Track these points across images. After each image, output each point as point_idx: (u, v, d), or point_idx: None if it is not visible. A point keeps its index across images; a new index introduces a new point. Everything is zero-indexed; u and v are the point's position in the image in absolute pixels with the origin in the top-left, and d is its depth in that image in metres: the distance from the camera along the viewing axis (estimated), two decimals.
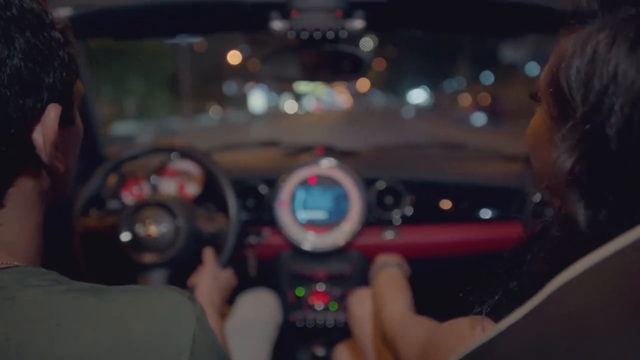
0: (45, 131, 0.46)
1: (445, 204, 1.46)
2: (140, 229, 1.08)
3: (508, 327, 0.39)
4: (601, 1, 0.43)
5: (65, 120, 0.50)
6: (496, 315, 0.49)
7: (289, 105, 37.18)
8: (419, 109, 32.82)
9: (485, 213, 1.44)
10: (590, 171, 0.41)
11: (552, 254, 0.46)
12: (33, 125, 0.46)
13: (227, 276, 1.11)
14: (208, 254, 1.09)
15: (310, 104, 39.49)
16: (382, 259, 1.12)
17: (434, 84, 40.34)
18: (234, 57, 25.82)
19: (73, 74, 0.50)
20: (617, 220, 0.38)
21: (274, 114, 31.23)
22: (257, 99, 32.24)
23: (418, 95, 41.22)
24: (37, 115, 0.46)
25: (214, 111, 24.12)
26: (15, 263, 0.44)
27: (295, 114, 32.40)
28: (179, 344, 0.42)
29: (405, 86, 45.22)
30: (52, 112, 0.46)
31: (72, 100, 0.52)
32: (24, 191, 0.47)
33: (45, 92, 0.46)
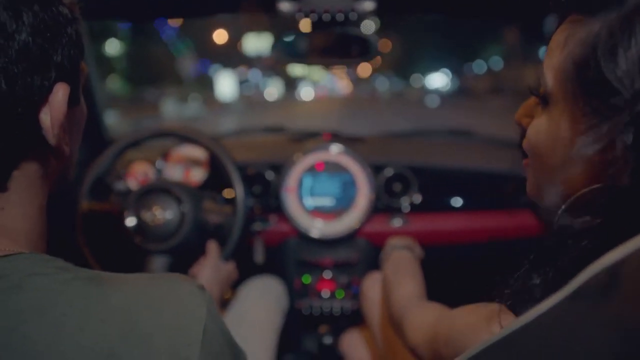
0: (53, 112, 0.44)
1: (454, 191, 1.44)
2: (145, 215, 1.07)
3: (535, 317, 0.37)
4: None
5: (71, 101, 0.48)
6: (516, 307, 0.47)
7: (271, 92, 29.82)
8: (445, 95, 26.97)
9: (495, 201, 1.41)
10: None
11: (582, 251, 0.43)
12: (40, 105, 0.44)
13: (229, 269, 1.11)
14: (211, 245, 1.09)
15: (306, 91, 33.80)
16: (394, 241, 1.10)
17: (455, 65, 33.70)
18: (219, 36, 21.47)
19: (80, 52, 0.48)
20: None
21: (256, 102, 23.82)
22: (225, 84, 24.36)
23: (437, 80, 34.19)
24: (44, 95, 0.44)
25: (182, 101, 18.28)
26: (19, 250, 0.43)
27: (280, 104, 24.47)
28: (190, 335, 0.41)
29: (417, 69, 39.14)
30: (61, 92, 0.45)
31: (79, 79, 0.50)
32: (29, 174, 0.46)
33: (54, 71, 0.44)
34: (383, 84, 41.55)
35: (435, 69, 35.11)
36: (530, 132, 0.51)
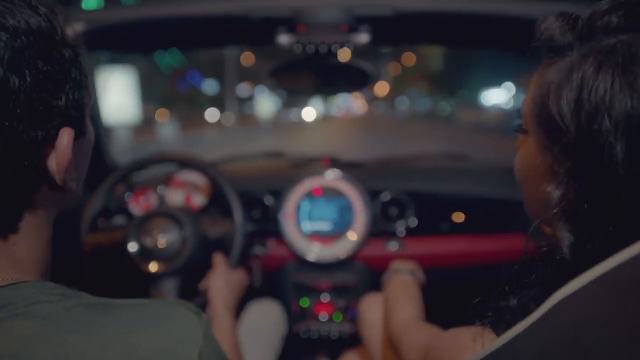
0: (59, 158, 0.45)
1: (450, 215, 1.46)
2: (147, 240, 1.10)
3: (508, 341, 0.40)
4: (577, 34, 0.46)
5: (78, 135, 0.49)
6: (497, 328, 0.50)
7: (212, 113, 20.37)
8: None
9: (490, 225, 1.44)
10: (583, 195, 0.43)
11: (554, 274, 0.47)
12: (47, 151, 0.45)
13: (238, 276, 1.14)
14: (217, 257, 1.12)
15: (308, 111, 27.98)
16: (397, 265, 1.13)
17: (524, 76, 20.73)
18: None
19: (84, 88, 0.49)
20: (606, 244, 0.40)
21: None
22: (116, 100, 14.38)
23: (495, 95, 24.48)
24: (50, 141, 0.45)
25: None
26: (25, 279, 0.45)
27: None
28: (186, 359, 0.42)
29: (462, 83, 28.57)
30: (66, 137, 0.45)
31: (84, 113, 0.51)
32: (38, 211, 0.47)
33: (58, 118, 0.45)
34: (403, 104, 36.19)
35: (493, 82, 24.30)
36: (517, 161, 0.57)
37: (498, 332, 0.49)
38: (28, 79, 0.41)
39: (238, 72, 22.01)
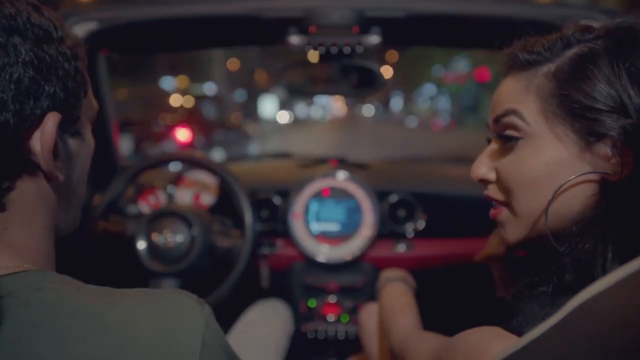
0: (43, 138, 0.47)
1: (458, 217, 1.46)
2: (156, 238, 1.10)
3: (530, 341, 0.40)
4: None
5: (70, 132, 0.52)
6: (510, 326, 0.50)
7: None
8: None
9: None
10: None
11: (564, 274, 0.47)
12: (32, 131, 0.47)
13: None
14: None
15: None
16: (387, 274, 1.12)
17: None
18: None
19: (80, 86, 0.52)
20: None
21: None
22: None
23: None
24: (36, 122, 0.47)
25: None
26: (27, 267, 0.45)
27: None
28: (188, 347, 0.42)
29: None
30: (51, 120, 0.48)
31: (79, 113, 0.53)
32: (25, 195, 0.48)
33: (45, 100, 0.47)
34: (397, 104, 30.39)
35: None
36: (514, 170, 0.57)
37: (515, 331, 0.49)
38: (19, 56, 0.45)
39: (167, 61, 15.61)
